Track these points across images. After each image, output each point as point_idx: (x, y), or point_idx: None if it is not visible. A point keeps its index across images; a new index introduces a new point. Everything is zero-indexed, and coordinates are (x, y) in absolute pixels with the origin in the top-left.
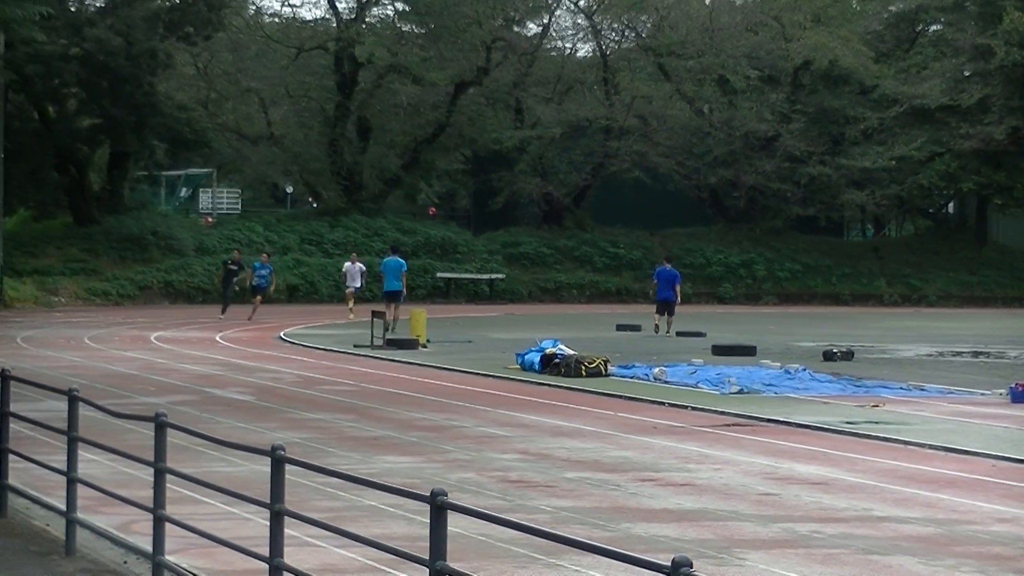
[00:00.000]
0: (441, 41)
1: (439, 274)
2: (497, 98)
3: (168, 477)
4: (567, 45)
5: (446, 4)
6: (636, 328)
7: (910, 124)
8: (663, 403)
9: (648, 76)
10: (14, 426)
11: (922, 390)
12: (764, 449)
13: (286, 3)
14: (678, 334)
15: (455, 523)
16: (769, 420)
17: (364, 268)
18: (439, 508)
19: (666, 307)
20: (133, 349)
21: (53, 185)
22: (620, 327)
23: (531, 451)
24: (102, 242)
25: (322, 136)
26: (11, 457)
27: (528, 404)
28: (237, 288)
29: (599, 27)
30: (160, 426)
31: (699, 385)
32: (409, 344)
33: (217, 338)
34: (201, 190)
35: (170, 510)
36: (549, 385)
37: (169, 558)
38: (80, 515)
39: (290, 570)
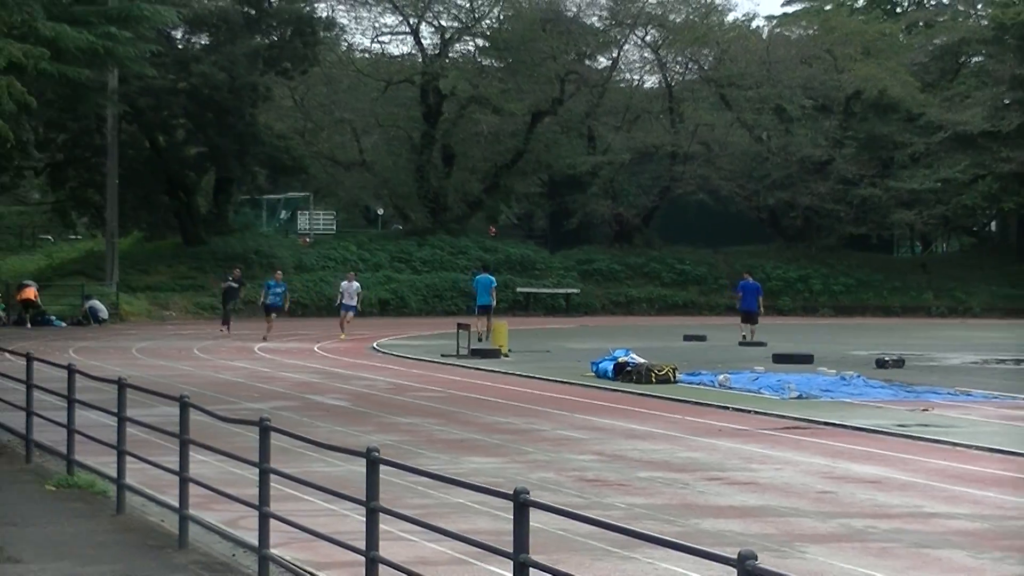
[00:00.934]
0: (519, 74)
1: (519, 289)
2: (571, 126)
3: (272, 476)
4: (635, 77)
5: (523, 40)
6: (702, 338)
7: (954, 149)
8: (728, 408)
9: (710, 106)
10: (130, 430)
11: (968, 395)
12: (822, 450)
13: (376, 40)
14: (740, 343)
15: (536, 519)
16: (826, 423)
17: (360, 288)
18: (522, 505)
19: (749, 317)
20: (238, 359)
21: (164, 208)
22: (687, 337)
23: (606, 452)
24: (209, 260)
25: (410, 162)
26: (128, 459)
27: (603, 409)
28: (237, 307)
29: (664, 60)
30: (264, 430)
31: (761, 391)
32: (492, 354)
33: (315, 348)
34: (299, 212)
35: (274, 507)
36: (622, 391)
37: (274, 551)
38: (192, 511)
39: (385, 562)
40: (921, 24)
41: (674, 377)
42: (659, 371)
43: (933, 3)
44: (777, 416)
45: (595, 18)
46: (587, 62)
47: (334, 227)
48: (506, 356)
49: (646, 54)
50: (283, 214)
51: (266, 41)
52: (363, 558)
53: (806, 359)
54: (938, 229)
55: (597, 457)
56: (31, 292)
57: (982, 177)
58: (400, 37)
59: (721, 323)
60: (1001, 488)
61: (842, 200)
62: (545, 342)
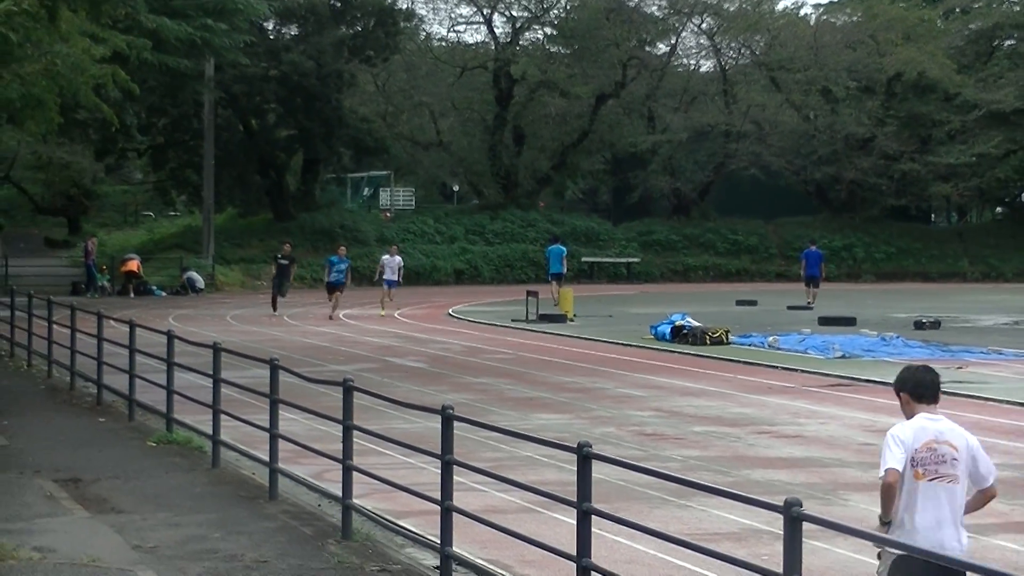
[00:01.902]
0: (584, 60)
1: (584, 259)
2: (632, 108)
3: (354, 433)
4: (692, 62)
5: (588, 28)
6: (754, 303)
7: (988, 126)
8: (777, 367)
9: (762, 88)
10: (224, 390)
11: (1000, 354)
12: (864, 406)
13: (452, 29)
14: (788, 308)
15: (599, 470)
16: (868, 381)
17: (402, 262)
18: (585, 458)
19: (812, 281)
20: (325, 325)
21: (256, 187)
22: (739, 302)
23: (663, 408)
24: (298, 234)
25: (483, 142)
26: (222, 417)
27: (661, 368)
28: (286, 289)
29: (719, 46)
30: (348, 390)
31: (808, 351)
32: (558, 318)
33: (396, 315)
34: (381, 189)
35: (356, 461)
36: (678, 352)
37: (356, 501)
38: (281, 465)
39: (459, 511)
40: (958, 10)
41: (727, 339)
42: (713, 333)
43: None
44: (822, 375)
45: (655, 7)
46: (647, 48)
47: (413, 203)
48: (572, 320)
49: (702, 40)
50: (366, 191)
51: (351, 31)
52: (439, 507)
53: (849, 322)
54: (973, 200)
55: (655, 413)
56: (134, 264)
57: (1014, 152)
58: (474, 26)
59: (771, 289)
60: None
61: (884, 174)
62: (608, 308)
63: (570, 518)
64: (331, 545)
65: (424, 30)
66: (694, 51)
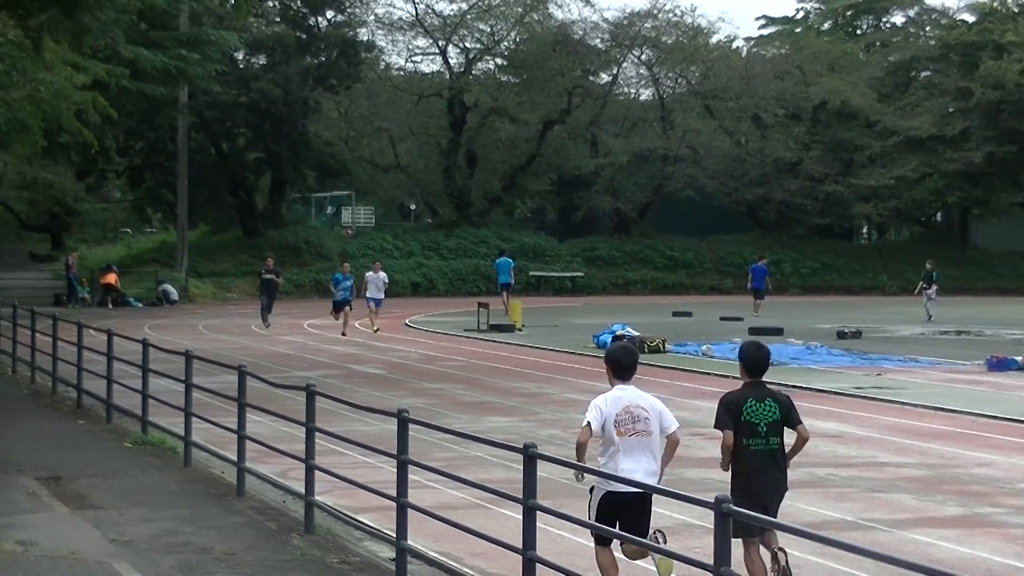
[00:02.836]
0: (532, 88)
1: (531, 272)
2: (577, 133)
3: (317, 434)
4: (632, 91)
5: (536, 59)
6: (689, 314)
7: (906, 151)
8: (710, 373)
9: (697, 115)
10: (196, 395)
11: (916, 362)
12: None
13: (409, 60)
14: (721, 319)
15: (543, 469)
16: (794, 386)
17: (387, 278)
18: (531, 458)
19: (757, 293)
20: (290, 334)
21: (227, 205)
22: (676, 313)
23: None
24: (266, 250)
25: (438, 165)
26: (194, 419)
27: (603, 375)
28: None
29: (657, 76)
30: (311, 394)
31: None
32: (508, 328)
33: (356, 324)
34: (343, 208)
35: (318, 460)
36: None
37: (318, 498)
38: (248, 465)
39: (413, 507)
40: (878, 44)
41: (664, 348)
42: (651, 342)
43: (888, 25)
44: None
45: (598, 40)
46: (591, 78)
47: (373, 221)
48: (520, 330)
49: (642, 71)
50: (329, 210)
51: (316, 61)
52: (395, 503)
53: (777, 331)
54: (892, 219)
55: None
56: (112, 277)
57: (929, 175)
58: (430, 57)
59: (705, 301)
60: (943, 441)
61: (810, 195)
62: (554, 318)
63: (517, 514)
64: (295, 539)
65: (384, 60)
66: (634, 80)
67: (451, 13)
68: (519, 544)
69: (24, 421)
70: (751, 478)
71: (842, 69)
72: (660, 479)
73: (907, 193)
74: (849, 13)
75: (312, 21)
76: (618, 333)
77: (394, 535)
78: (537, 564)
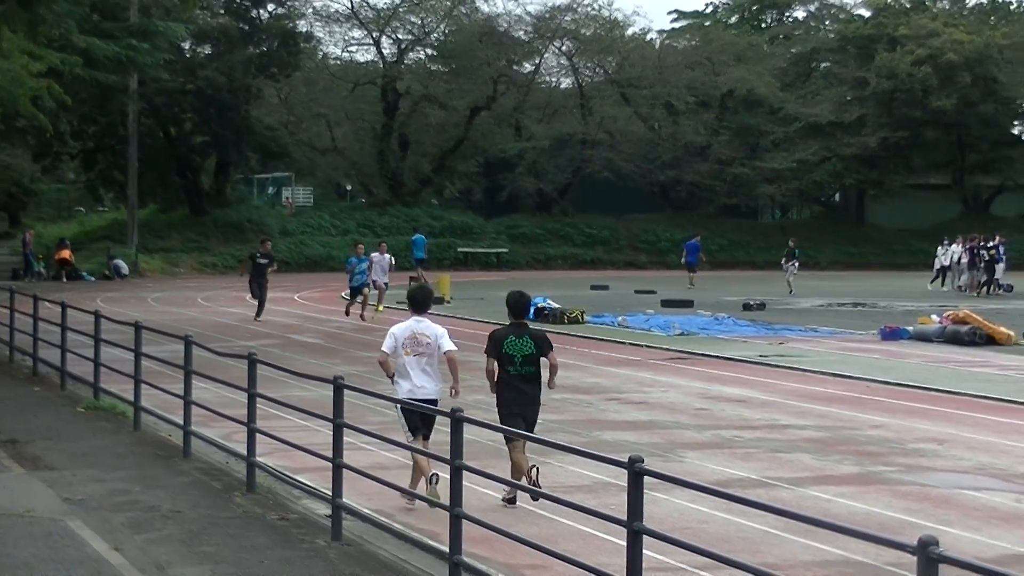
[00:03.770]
0: (460, 77)
1: (459, 249)
2: (502, 119)
3: (258, 400)
4: (553, 79)
5: (464, 49)
6: (606, 288)
7: (807, 136)
8: (625, 343)
9: (614, 102)
10: (145, 363)
11: (816, 331)
12: (699, 376)
13: (345, 50)
14: (635, 292)
15: (470, 432)
16: (703, 355)
17: (392, 260)
18: (457, 421)
19: (691, 267)
20: (234, 306)
21: (174, 186)
22: (593, 287)
23: None
24: (211, 227)
25: (373, 148)
26: (143, 386)
27: None
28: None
29: (577, 66)
30: (252, 362)
31: (652, 329)
32: (437, 300)
33: (295, 297)
34: (283, 188)
35: (260, 424)
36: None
37: (260, 459)
38: (194, 428)
39: (348, 467)
40: (781, 36)
41: (582, 319)
42: (570, 314)
43: (791, 19)
44: (664, 349)
45: (522, 32)
46: (515, 67)
47: (312, 200)
48: (448, 303)
49: (563, 61)
50: (270, 190)
51: (258, 51)
52: (331, 464)
53: (688, 304)
54: (794, 200)
55: None
56: (66, 253)
57: (828, 159)
58: (365, 47)
59: (621, 276)
60: (841, 405)
61: (718, 177)
62: (480, 292)
63: (445, 473)
64: (237, 497)
65: (321, 50)
66: (555, 70)
67: (384, 6)
68: (447, 502)
69: None
70: (508, 395)
71: (748, 60)
72: (454, 392)
73: (808, 175)
74: (755, 7)
75: (254, 13)
76: (539, 305)
77: (330, 493)
78: (463, 520)
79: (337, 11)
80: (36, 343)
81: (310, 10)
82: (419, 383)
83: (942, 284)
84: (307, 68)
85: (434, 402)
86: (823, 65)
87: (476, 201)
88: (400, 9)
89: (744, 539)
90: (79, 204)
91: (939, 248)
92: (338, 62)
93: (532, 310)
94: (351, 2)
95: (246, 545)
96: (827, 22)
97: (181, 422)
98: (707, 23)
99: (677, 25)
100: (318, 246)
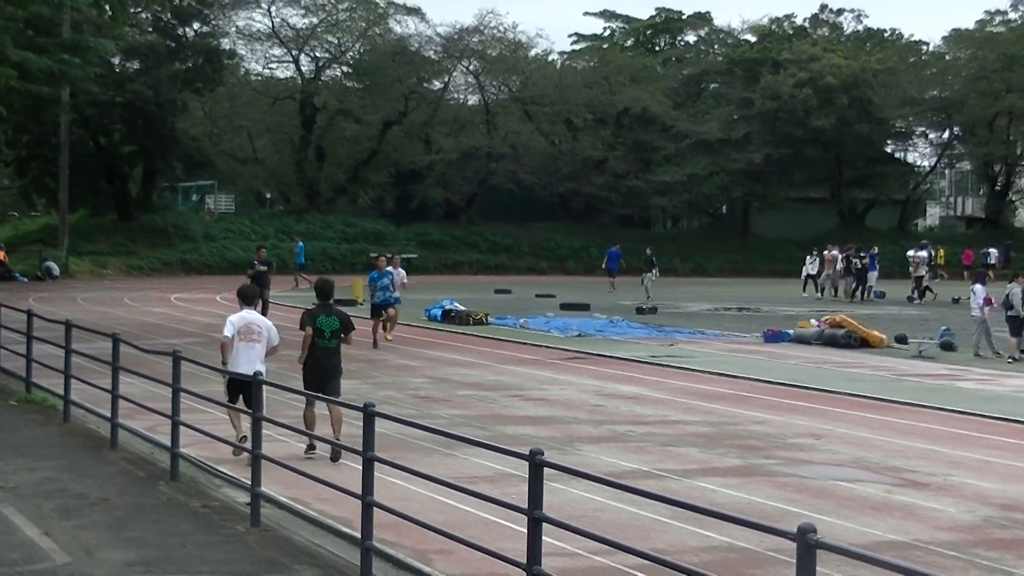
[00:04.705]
0: (374, 93)
1: (372, 254)
2: (413, 132)
3: (182, 394)
4: (461, 96)
5: (377, 67)
6: (509, 292)
7: (697, 152)
8: (526, 343)
9: (517, 118)
10: (75, 359)
11: (703, 334)
12: (595, 375)
13: (266, 67)
14: (536, 296)
15: (381, 426)
16: (599, 355)
17: (405, 274)
18: (369, 415)
19: (611, 273)
20: (159, 306)
21: (104, 193)
22: (497, 291)
23: (434, 376)
24: (138, 232)
25: (291, 159)
26: (73, 381)
27: (433, 344)
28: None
29: (483, 84)
30: (176, 359)
31: (551, 331)
32: (349, 303)
33: (217, 298)
34: (207, 196)
35: (183, 417)
36: (447, 331)
37: (183, 450)
38: (121, 420)
39: (267, 459)
40: (674, 59)
41: (487, 320)
42: (476, 316)
43: (682, 43)
44: (563, 350)
45: (432, 52)
46: (425, 84)
47: (233, 207)
48: (360, 304)
49: (470, 79)
50: (194, 197)
51: (183, 67)
52: (250, 455)
53: (584, 307)
54: (684, 211)
55: (428, 380)
56: (0, 255)
57: (717, 173)
58: (285, 64)
59: (523, 281)
60: (726, 402)
61: (614, 189)
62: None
63: (357, 464)
64: (162, 485)
65: (244, 67)
66: (463, 87)
67: (303, 26)
68: (359, 491)
69: None
70: (315, 364)
71: (642, 80)
72: (262, 371)
73: (698, 188)
74: (649, 32)
75: (180, 31)
76: (447, 308)
77: (249, 482)
78: (374, 508)
79: (259, 30)
80: None
81: (233, 29)
82: (248, 364)
83: (816, 291)
84: (230, 83)
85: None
86: (712, 86)
87: (388, 209)
88: (318, 29)
89: (636, 526)
90: (12, 209)
91: (808, 258)
92: (259, 78)
93: (440, 312)
94: (272, 22)
95: (169, 531)
96: (716, 46)
97: (109, 415)
98: (605, 45)
99: (577, 47)
100: (239, 250)
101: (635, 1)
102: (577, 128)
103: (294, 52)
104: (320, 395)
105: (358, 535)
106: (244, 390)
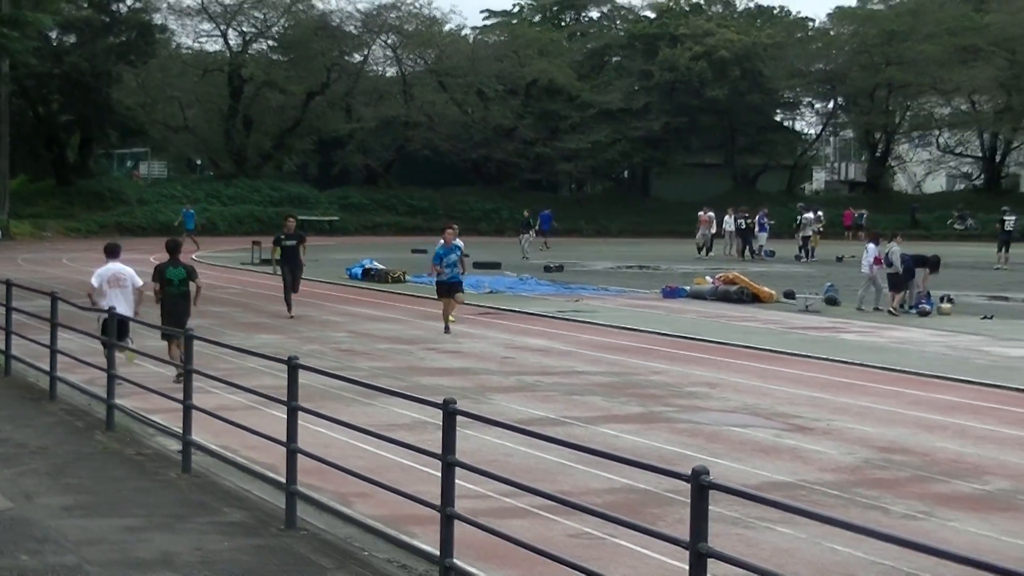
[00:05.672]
0: (298, 65)
1: (297, 217)
2: (335, 103)
3: (116, 350)
4: (380, 68)
5: (301, 41)
6: (424, 251)
7: (600, 121)
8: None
9: (432, 89)
10: (16, 316)
11: (607, 290)
12: (506, 329)
13: (196, 40)
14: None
15: (305, 378)
16: (509, 310)
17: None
18: (293, 367)
19: (544, 234)
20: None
21: (43, 159)
22: (414, 251)
23: (356, 331)
24: (76, 196)
25: (220, 127)
26: (13, 337)
27: (354, 301)
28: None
29: (401, 57)
30: (112, 316)
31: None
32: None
33: (151, 259)
34: (141, 162)
35: (118, 371)
36: (368, 288)
37: (118, 401)
38: (60, 374)
39: (198, 408)
40: (579, 34)
41: (404, 279)
42: (394, 274)
43: (586, 19)
44: (475, 305)
45: (352, 27)
46: (346, 57)
47: (166, 173)
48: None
49: (388, 52)
50: (129, 163)
51: (118, 40)
52: (182, 405)
53: (496, 266)
54: (589, 176)
55: (349, 334)
56: None
57: (619, 140)
58: (214, 38)
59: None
60: (627, 354)
61: (523, 156)
62: (314, 255)
63: (282, 414)
64: (98, 435)
65: (175, 40)
66: (382, 60)
67: (231, 2)
68: (284, 438)
69: None
70: (168, 308)
71: (549, 54)
72: (136, 312)
73: (601, 154)
74: (555, 8)
75: (115, 7)
76: (367, 267)
77: (181, 431)
78: (298, 454)
79: (189, 6)
80: None
81: (164, 5)
82: (118, 306)
83: (707, 252)
84: (162, 56)
85: (125, 322)
86: (614, 59)
87: (311, 175)
88: (245, 5)
89: (543, 470)
90: None
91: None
92: (190, 51)
93: (361, 271)
94: None
95: (106, 477)
96: (617, 22)
97: (48, 368)
98: (514, 21)
99: (488, 22)
100: (171, 213)
101: None
102: (488, 98)
103: (222, 27)
104: (174, 329)
105: (283, 480)
106: (120, 326)
